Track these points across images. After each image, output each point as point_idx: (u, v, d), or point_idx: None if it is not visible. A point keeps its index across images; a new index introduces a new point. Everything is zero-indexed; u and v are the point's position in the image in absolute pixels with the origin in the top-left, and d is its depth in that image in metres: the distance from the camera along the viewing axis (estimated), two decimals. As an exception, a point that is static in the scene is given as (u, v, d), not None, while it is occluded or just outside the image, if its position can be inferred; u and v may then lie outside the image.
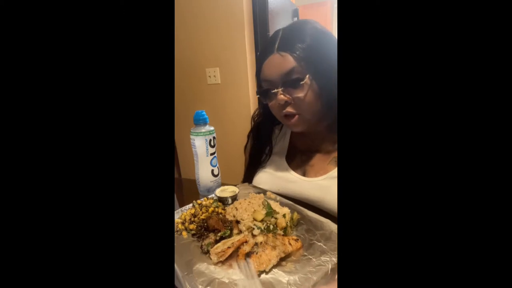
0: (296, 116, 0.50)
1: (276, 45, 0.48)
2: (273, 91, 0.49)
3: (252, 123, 0.67)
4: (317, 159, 0.57)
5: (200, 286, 0.31)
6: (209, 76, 1.41)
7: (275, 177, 0.60)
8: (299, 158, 0.60)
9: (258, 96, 0.55)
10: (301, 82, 0.46)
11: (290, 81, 0.47)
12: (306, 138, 0.59)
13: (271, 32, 1.36)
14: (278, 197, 0.52)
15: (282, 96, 0.49)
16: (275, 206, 0.46)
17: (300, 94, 0.48)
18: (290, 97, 0.49)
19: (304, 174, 0.57)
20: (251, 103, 1.39)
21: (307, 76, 0.46)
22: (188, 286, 0.31)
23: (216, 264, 0.34)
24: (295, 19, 1.78)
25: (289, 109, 0.50)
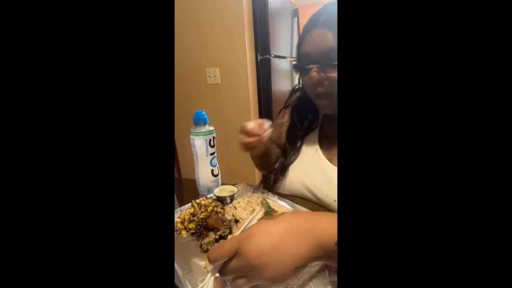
0: (327, 97, 0.49)
1: (320, 21, 0.46)
2: (308, 67, 0.48)
3: (290, 99, 0.62)
4: None
5: (200, 284, 0.31)
6: (209, 76, 1.41)
7: (307, 167, 0.56)
8: (325, 144, 0.57)
9: (293, 69, 0.54)
10: (335, 63, 0.45)
11: (326, 60, 0.46)
12: (336, 122, 0.56)
13: (271, 32, 1.37)
14: (277, 196, 0.53)
15: (315, 73, 0.47)
16: (274, 204, 0.46)
17: (334, 74, 0.46)
18: (324, 76, 0.47)
19: (330, 162, 0.55)
20: (251, 103, 1.39)
21: None
22: (188, 285, 0.32)
23: None
24: (295, 19, 1.78)
25: (321, 89, 0.49)
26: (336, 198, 0.49)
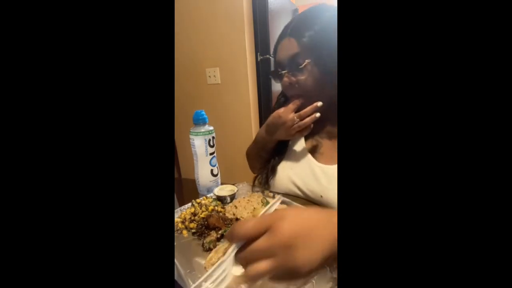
0: (301, 99, 0.52)
1: (288, 31, 0.51)
2: (280, 72, 0.53)
3: (276, 106, 0.66)
4: (327, 147, 0.57)
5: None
6: (209, 76, 1.42)
7: (295, 165, 0.59)
8: (311, 143, 0.60)
9: (270, 76, 0.58)
10: (300, 67, 0.49)
11: (294, 64, 0.50)
12: (317, 121, 0.58)
13: (271, 32, 1.37)
14: (276, 195, 0.53)
15: (286, 78, 0.52)
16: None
17: (302, 77, 0.50)
18: (294, 80, 0.51)
19: (316, 159, 0.57)
20: (251, 103, 1.39)
21: (306, 61, 0.48)
22: (191, 283, 0.32)
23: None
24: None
25: (293, 91, 0.53)
26: (322, 194, 0.52)
